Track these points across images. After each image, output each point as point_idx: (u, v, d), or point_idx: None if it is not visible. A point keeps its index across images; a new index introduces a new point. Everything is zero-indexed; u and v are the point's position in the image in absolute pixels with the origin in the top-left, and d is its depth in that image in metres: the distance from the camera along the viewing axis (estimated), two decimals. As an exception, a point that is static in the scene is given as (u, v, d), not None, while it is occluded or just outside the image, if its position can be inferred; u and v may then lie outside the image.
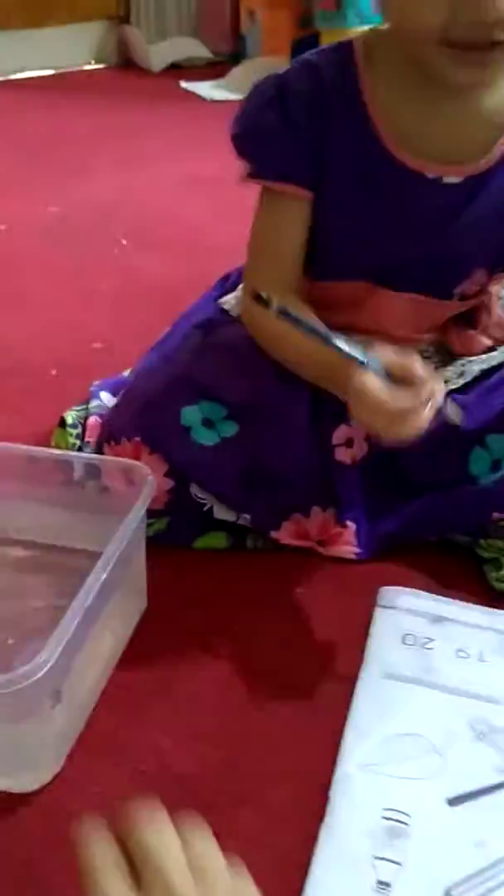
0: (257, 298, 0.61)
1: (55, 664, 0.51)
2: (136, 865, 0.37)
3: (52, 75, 2.73)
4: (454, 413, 0.65)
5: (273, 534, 0.77)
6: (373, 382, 0.62)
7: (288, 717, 0.63)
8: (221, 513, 0.76)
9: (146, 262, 1.37)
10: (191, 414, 0.75)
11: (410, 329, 0.81)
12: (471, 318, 0.83)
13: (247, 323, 0.78)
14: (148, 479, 0.66)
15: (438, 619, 0.69)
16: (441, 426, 0.72)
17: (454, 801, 0.57)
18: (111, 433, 0.77)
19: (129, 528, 0.62)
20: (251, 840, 0.55)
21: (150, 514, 0.74)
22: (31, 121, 2.18)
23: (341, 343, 0.62)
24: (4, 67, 2.68)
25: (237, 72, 2.50)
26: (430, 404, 0.63)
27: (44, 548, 0.73)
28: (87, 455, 0.70)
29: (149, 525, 0.73)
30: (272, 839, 0.55)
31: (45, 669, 0.51)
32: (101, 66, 2.81)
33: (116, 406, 0.82)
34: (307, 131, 0.71)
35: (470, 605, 0.72)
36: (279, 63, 2.48)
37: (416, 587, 0.73)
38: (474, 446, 0.76)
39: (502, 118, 0.71)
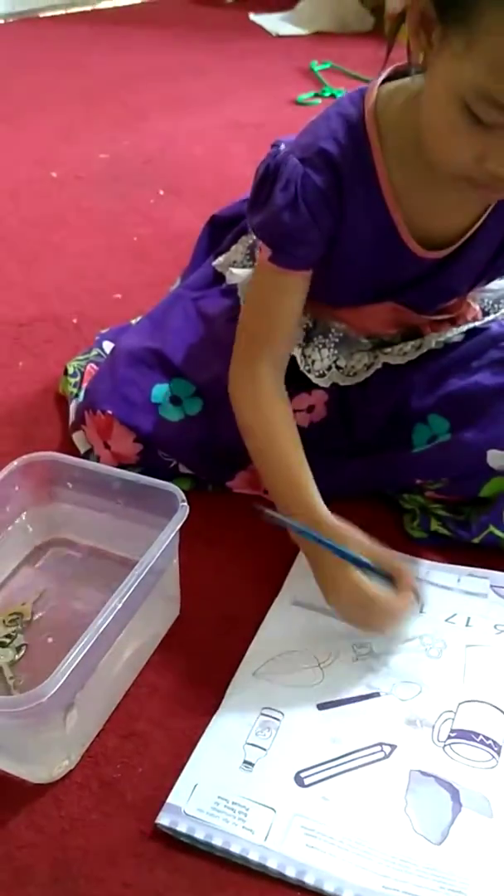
0: (252, 509, 0.73)
1: (67, 682, 0.59)
2: None
3: (134, 5, 2.80)
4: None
5: (228, 483, 0.90)
6: (366, 581, 0.71)
7: (210, 628, 0.78)
8: (185, 468, 0.90)
9: (178, 211, 1.48)
10: (161, 391, 0.89)
11: (388, 329, 0.91)
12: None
13: (232, 397, 0.81)
14: (181, 505, 0.72)
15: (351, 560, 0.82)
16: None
17: (322, 706, 0.70)
18: (91, 402, 0.91)
19: (156, 551, 0.69)
20: (158, 721, 0.71)
21: (125, 466, 0.89)
22: (104, 58, 2.27)
23: (331, 543, 0.72)
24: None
25: (304, 4, 2.51)
26: (414, 601, 0.73)
27: (93, 551, 0.83)
28: (128, 473, 0.78)
29: (127, 468, 0.87)
30: (174, 723, 0.70)
31: (53, 693, 0.58)
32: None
33: (100, 374, 0.95)
34: (327, 226, 0.76)
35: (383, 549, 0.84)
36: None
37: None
38: (418, 422, 0.87)
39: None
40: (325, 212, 0.76)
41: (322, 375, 0.90)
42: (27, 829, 0.64)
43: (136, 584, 0.67)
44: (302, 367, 0.89)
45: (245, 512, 0.89)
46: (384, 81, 0.76)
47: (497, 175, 0.64)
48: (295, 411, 0.87)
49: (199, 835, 0.62)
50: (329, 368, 0.90)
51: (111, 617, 0.65)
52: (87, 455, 0.93)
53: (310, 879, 0.59)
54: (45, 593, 0.80)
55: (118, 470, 0.79)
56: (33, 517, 0.82)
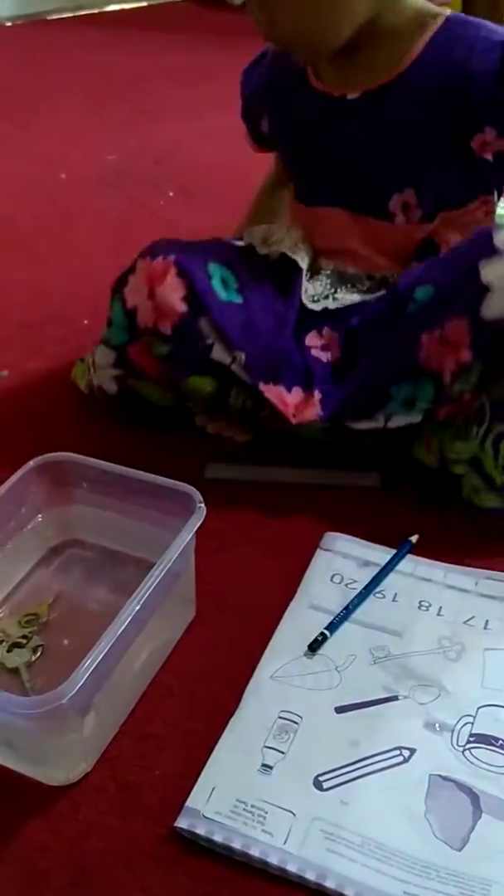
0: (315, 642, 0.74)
1: (85, 684, 0.59)
2: None
3: (141, 8, 2.80)
4: None
5: (261, 385, 0.88)
6: None
7: (226, 630, 0.77)
8: (219, 353, 0.88)
9: (187, 213, 1.47)
10: (215, 269, 0.90)
11: (375, 251, 0.95)
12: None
13: None
14: (198, 506, 0.72)
15: (366, 564, 0.81)
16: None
17: (341, 709, 0.70)
18: (150, 251, 0.91)
19: (174, 553, 0.68)
20: (174, 723, 0.70)
21: (158, 335, 0.89)
22: (111, 61, 2.28)
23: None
24: (94, 1, 2.77)
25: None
26: None
27: (108, 553, 0.82)
28: (145, 474, 0.76)
29: (154, 346, 0.89)
30: (190, 725, 0.70)
31: (72, 695, 0.58)
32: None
33: (157, 241, 0.94)
34: (258, 90, 0.99)
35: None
36: None
37: (359, 533, 0.85)
38: (409, 301, 0.87)
39: (400, 42, 0.86)
40: (266, 84, 0.97)
41: (316, 301, 0.94)
42: (44, 833, 0.64)
43: (154, 586, 0.67)
44: (303, 297, 0.94)
45: (261, 513, 0.89)
46: None
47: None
48: (310, 348, 0.92)
49: (218, 838, 0.61)
50: (326, 297, 0.95)
51: (129, 619, 0.64)
52: (90, 389, 1.00)
53: (330, 884, 0.59)
54: (60, 594, 0.79)
55: (134, 471, 0.78)
56: (49, 518, 0.81)
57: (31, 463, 0.78)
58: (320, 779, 0.65)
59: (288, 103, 0.95)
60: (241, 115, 1.04)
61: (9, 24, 2.78)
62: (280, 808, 0.63)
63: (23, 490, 0.78)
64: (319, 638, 0.74)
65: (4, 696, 0.62)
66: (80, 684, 0.59)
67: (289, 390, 0.89)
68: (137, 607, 0.65)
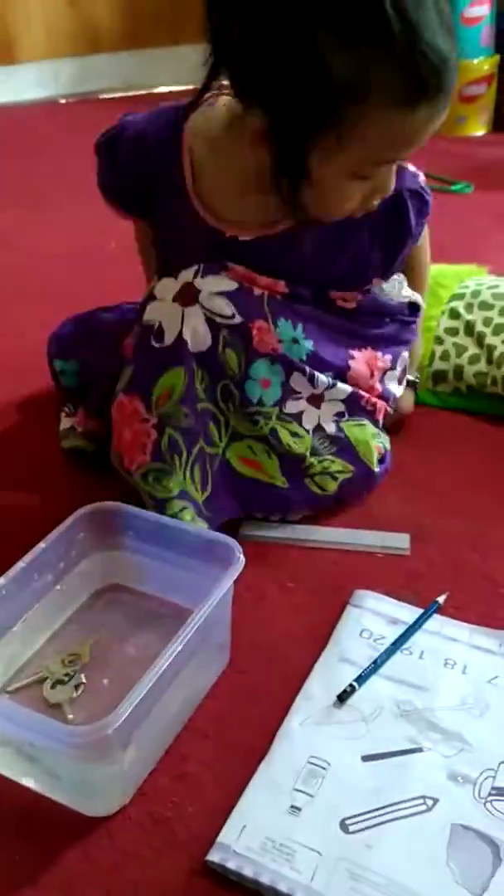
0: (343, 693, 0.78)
1: (127, 718, 0.63)
2: None
3: (188, 90, 2.95)
4: None
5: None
6: None
7: (258, 678, 0.81)
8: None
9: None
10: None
11: None
12: None
13: None
14: (238, 557, 0.76)
15: (394, 621, 0.85)
16: None
17: (367, 758, 0.73)
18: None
19: (214, 600, 0.73)
20: (207, 763, 0.74)
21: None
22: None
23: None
24: (143, 82, 2.94)
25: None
26: None
27: (148, 598, 0.87)
28: (187, 525, 0.84)
29: None
30: (222, 766, 0.73)
31: (116, 726, 0.62)
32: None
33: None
34: (134, 183, 0.97)
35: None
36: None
37: (388, 592, 0.89)
38: None
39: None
40: (132, 178, 0.97)
41: None
42: (80, 861, 0.67)
43: (193, 631, 0.71)
44: None
45: (293, 569, 0.94)
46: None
47: (380, 196, 0.85)
48: None
49: (248, 873, 0.64)
50: None
51: (170, 661, 0.68)
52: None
53: (354, 923, 0.61)
54: (101, 636, 0.84)
55: (177, 521, 0.84)
56: (94, 563, 0.86)
57: (82, 510, 0.83)
58: (347, 822, 0.68)
59: (173, 215, 0.95)
60: (103, 185, 1.03)
61: (62, 101, 2.95)
62: (307, 847, 0.66)
63: (73, 535, 0.83)
64: (348, 689, 0.78)
65: (54, 724, 0.66)
66: (124, 717, 0.64)
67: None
68: (179, 648, 0.69)
